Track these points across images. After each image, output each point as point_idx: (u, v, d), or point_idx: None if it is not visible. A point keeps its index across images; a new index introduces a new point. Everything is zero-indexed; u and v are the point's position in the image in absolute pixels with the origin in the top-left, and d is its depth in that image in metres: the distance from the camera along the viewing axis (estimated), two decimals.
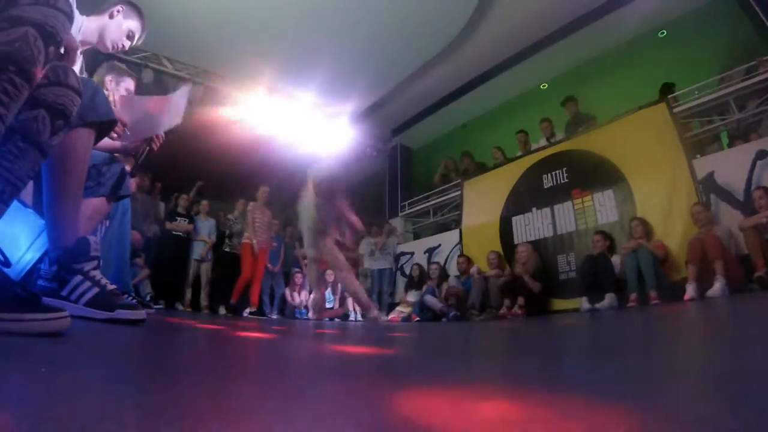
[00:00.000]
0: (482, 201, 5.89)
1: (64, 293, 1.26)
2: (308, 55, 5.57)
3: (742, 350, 0.82)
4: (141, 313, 1.32)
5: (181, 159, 6.22)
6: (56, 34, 0.87)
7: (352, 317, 6.11)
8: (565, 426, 0.37)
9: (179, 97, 1.85)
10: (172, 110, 1.82)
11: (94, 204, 1.56)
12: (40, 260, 1.35)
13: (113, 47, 1.68)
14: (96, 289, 1.27)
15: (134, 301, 2.37)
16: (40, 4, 0.86)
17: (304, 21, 5.07)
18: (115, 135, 1.61)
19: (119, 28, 1.66)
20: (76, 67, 1.50)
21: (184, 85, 1.89)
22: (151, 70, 5.54)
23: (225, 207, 6.89)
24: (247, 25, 5.09)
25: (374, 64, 5.88)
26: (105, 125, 1.37)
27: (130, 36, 1.70)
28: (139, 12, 1.73)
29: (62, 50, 0.98)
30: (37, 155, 0.97)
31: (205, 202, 6.43)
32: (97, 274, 1.30)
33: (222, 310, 5.82)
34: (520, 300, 4.46)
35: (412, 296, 5.68)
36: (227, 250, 6.15)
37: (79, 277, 1.26)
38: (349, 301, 6.21)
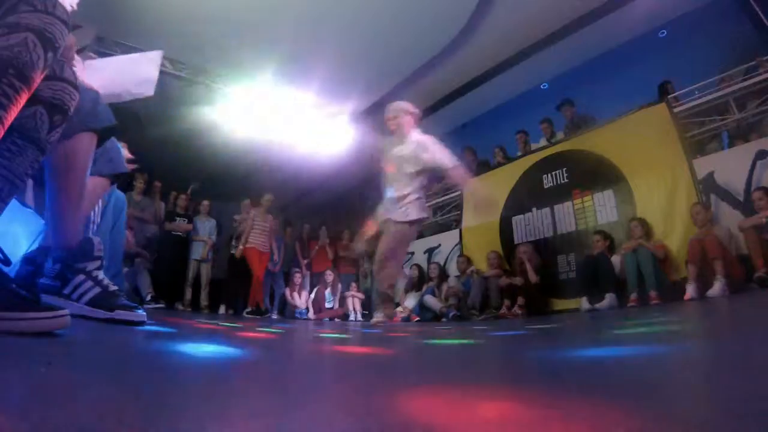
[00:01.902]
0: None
1: (66, 292, 1.26)
2: (308, 54, 5.56)
3: (742, 349, 0.82)
4: (141, 315, 1.32)
5: (181, 159, 6.24)
6: (54, 40, 0.89)
7: (352, 317, 6.11)
8: (566, 426, 0.37)
9: (148, 61, 1.68)
10: (139, 73, 1.67)
11: (89, 184, 1.47)
12: (34, 259, 1.36)
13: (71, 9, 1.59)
14: (98, 289, 1.28)
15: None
16: (38, 11, 0.87)
17: (304, 21, 5.07)
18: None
19: None
20: (79, 67, 1.51)
21: (157, 51, 1.71)
22: None
23: (225, 207, 6.90)
24: (247, 25, 5.08)
25: (374, 64, 5.88)
26: (106, 130, 1.39)
27: None
28: None
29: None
30: (35, 152, 0.97)
31: (206, 203, 6.43)
32: (99, 275, 1.30)
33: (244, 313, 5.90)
34: (520, 300, 4.46)
35: (410, 301, 5.67)
36: (233, 252, 6.19)
37: (81, 277, 1.27)
38: (349, 301, 6.21)
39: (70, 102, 1.04)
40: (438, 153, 3.19)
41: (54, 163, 1.24)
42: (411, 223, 3.13)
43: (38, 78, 0.88)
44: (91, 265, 1.29)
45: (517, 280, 4.60)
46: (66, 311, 0.82)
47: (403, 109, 3.38)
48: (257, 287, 5.75)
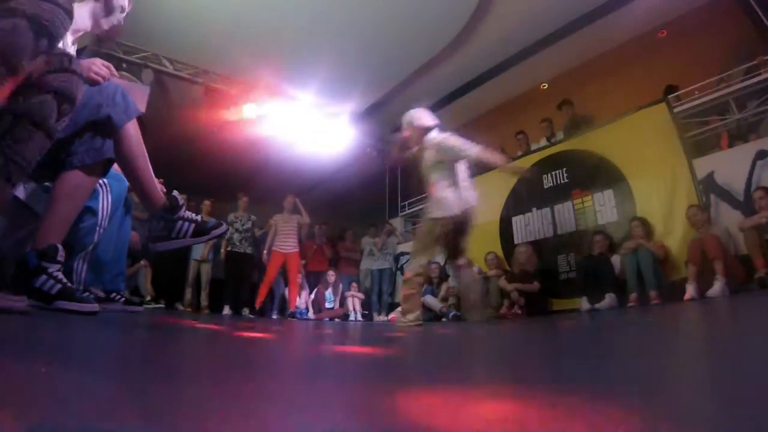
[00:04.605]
0: (482, 201, 5.86)
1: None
2: (308, 55, 5.57)
3: (742, 349, 0.82)
4: (93, 306, 1.47)
5: (181, 159, 6.24)
6: (50, 27, 0.89)
7: (352, 317, 6.11)
8: (565, 426, 0.37)
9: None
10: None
11: (72, 180, 1.43)
12: (25, 263, 1.42)
13: (110, 27, 1.67)
14: (59, 286, 1.40)
15: (121, 299, 2.49)
16: None
17: (305, 21, 5.07)
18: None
19: (111, 5, 1.63)
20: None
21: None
22: (151, 70, 5.54)
23: (225, 207, 6.90)
24: (247, 25, 5.09)
25: (374, 64, 5.88)
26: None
27: (122, 10, 1.69)
28: None
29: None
30: (44, 138, 1.01)
31: (207, 202, 6.43)
32: (59, 275, 1.42)
33: (245, 311, 5.93)
34: (520, 300, 4.46)
35: None
36: (230, 249, 6.18)
37: (44, 277, 1.40)
38: (349, 301, 6.21)
39: (76, 92, 1.07)
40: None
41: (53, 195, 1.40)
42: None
43: (26, 64, 0.89)
44: (53, 267, 1.39)
45: (528, 287, 4.54)
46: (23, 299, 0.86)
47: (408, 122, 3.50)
48: (263, 289, 5.76)
